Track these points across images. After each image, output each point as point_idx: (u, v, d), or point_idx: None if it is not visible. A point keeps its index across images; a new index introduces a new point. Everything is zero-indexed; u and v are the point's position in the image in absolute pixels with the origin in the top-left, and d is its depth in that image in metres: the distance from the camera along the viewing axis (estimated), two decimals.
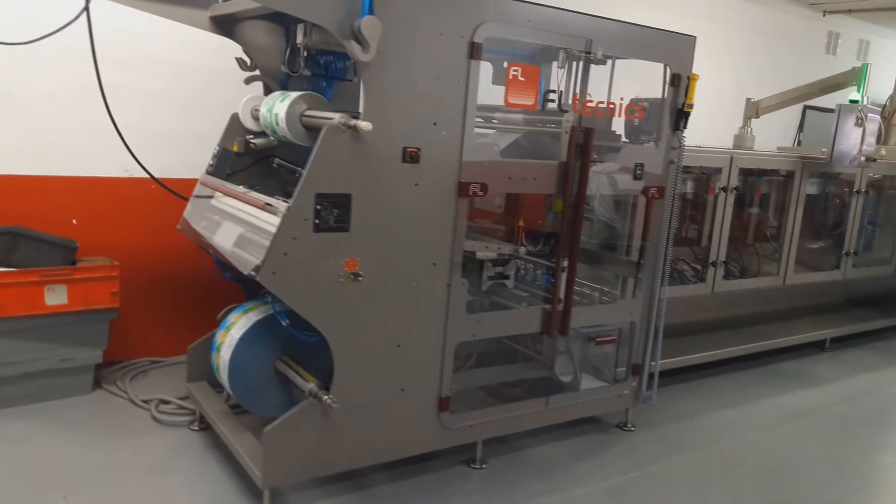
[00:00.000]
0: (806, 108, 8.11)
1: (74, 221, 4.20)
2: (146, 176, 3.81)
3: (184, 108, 4.36)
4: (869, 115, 4.95)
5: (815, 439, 4.27)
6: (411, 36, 2.76)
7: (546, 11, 3.13)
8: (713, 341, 5.21)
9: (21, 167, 4.06)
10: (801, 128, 8.33)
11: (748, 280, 5.19)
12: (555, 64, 3.99)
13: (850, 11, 8.12)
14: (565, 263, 3.52)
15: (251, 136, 3.53)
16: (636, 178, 3.69)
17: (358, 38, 2.59)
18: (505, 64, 3.33)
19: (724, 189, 4.71)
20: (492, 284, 3.76)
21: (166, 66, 4.32)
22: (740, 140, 5.72)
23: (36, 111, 4.05)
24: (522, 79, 3.13)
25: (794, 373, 5.44)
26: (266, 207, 2.75)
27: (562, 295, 3.53)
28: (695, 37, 3.72)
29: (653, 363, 4.03)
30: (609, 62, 3.88)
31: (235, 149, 3.53)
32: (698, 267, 4.96)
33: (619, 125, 3.94)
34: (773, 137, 7.13)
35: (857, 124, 4.92)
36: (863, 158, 5.06)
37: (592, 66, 4.00)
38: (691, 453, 3.93)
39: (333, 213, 2.70)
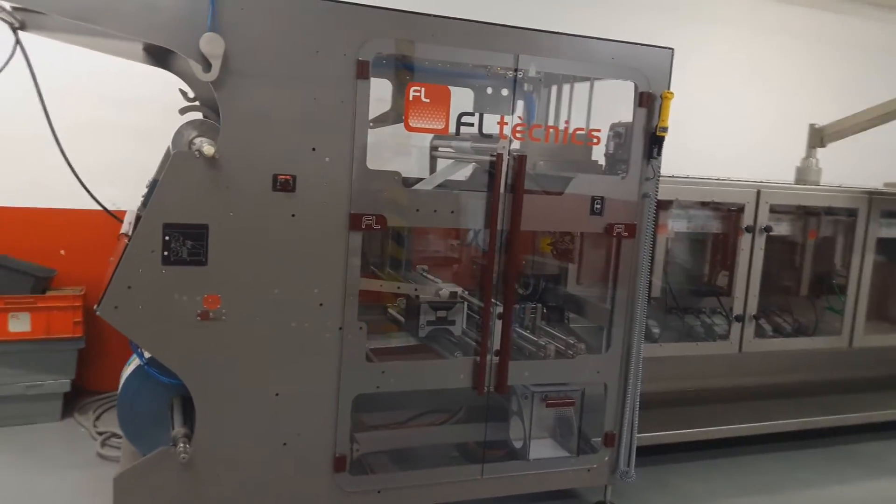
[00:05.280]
0: None
1: (62, 252, 4.35)
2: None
3: None
4: None
5: None
6: (275, 54, 2.54)
7: (456, 25, 2.79)
8: (757, 412, 4.39)
9: (16, 199, 4.27)
10: None
11: (795, 340, 4.32)
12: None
13: None
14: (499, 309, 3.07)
15: None
16: (594, 213, 3.17)
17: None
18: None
19: (750, 229, 3.98)
20: (432, 331, 3.38)
21: (158, 105, 4.40)
22: (803, 173, 4.89)
23: (31, 147, 4.27)
24: (426, 100, 2.79)
25: (872, 457, 4.44)
26: (122, 238, 2.61)
27: (497, 345, 3.08)
28: (671, 49, 3.19)
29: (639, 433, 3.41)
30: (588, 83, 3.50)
31: None
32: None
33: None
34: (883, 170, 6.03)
35: None
36: None
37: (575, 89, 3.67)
38: None
39: (186, 244, 2.50)
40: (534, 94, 3.88)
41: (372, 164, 2.80)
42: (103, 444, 3.78)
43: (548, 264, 3.96)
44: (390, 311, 3.81)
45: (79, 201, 4.33)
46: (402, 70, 3.28)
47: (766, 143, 5.67)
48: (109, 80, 4.29)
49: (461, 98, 3.68)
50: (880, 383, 4.88)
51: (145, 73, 3.91)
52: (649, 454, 3.92)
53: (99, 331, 4.34)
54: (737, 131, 5.80)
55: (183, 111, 3.45)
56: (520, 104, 3.88)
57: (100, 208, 4.16)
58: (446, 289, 3.38)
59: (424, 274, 3.74)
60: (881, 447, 4.53)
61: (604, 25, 4.32)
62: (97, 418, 4.13)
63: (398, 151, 4.34)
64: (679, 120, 4.66)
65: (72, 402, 4.21)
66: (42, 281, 4.01)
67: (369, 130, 3.33)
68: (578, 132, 3.14)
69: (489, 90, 3.69)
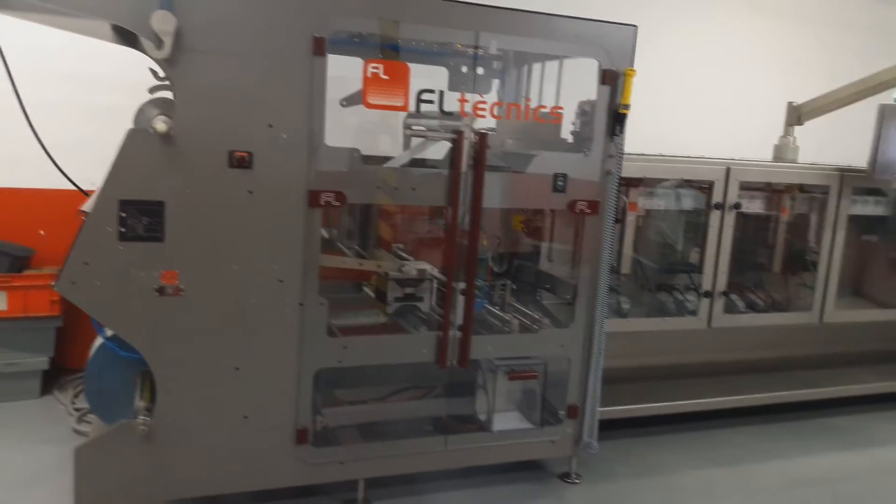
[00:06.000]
0: None
1: (42, 232, 4.38)
2: None
3: None
4: None
5: None
6: (230, 30, 2.55)
7: (414, 1, 2.79)
8: (728, 386, 4.44)
9: None
10: None
11: (764, 315, 4.37)
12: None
13: None
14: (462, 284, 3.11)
15: None
16: (556, 190, 3.20)
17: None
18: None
19: (719, 206, 4.01)
20: (400, 307, 3.42)
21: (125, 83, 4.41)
22: (781, 150, 4.91)
23: (9, 126, 4.28)
24: (385, 77, 2.80)
25: (840, 431, 4.50)
26: (81, 215, 2.64)
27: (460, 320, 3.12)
28: (634, 27, 3.19)
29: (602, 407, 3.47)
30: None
31: None
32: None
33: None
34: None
35: None
36: None
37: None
38: None
39: (142, 221, 2.54)
40: (505, 73, 3.90)
41: (357, 144, 2.83)
42: (80, 421, 3.84)
43: (522, 242, 4.00)
44: (365, 289, 3.86)
45: (59, 181, 4.39)
46: (370, 48, 3.29)
47: (746, 121, 5.65)
48: (94, 59, 4.28)
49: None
50: (851, 358, 4.93)
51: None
52: (619, 427, 3.99)
53: (78, 309, 4.39)
54: (716, 110, 5.79)
55: (152, 90, 3.46)
56: (495, 82, 3.93)
57: (84, 191, 4.19)
58: (412, 266, 3.43)
59: (400, 252, 3.78)
60: (849, 421, 4.59)
61: (583, 5, 4.30)
62: (76, 395, 4.18)
63: (386, 130, 4.35)
64: (657, 99, 4.70)
65: (51, 380, 4.27)
66: (19, 260, 4.05)
67: (352, 109, 3.37)
68: (541, 110, 3.16)
69: (463, 68, 3.69)
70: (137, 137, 2.52)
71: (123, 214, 2.51)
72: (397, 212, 3.81)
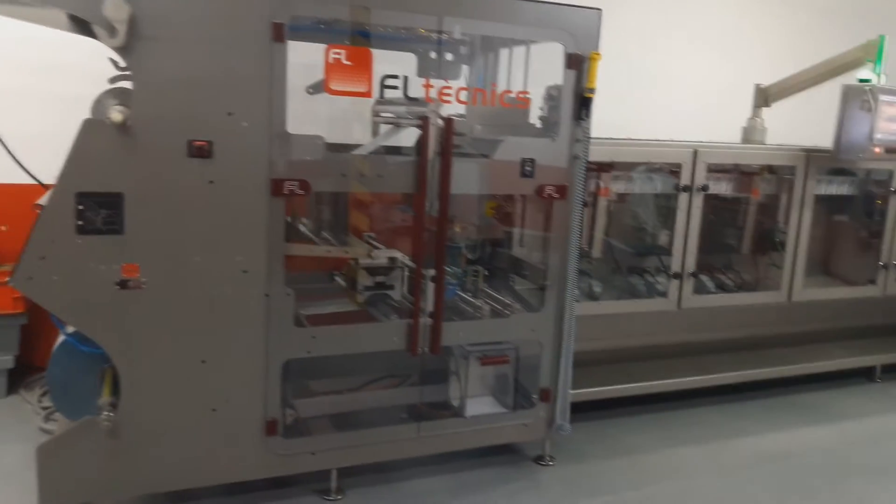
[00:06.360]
0: None
1: (3, 228, 4.28)
2: None
3: None
4: (882, 97, 4.07)
5: (778, 490, 3.51)
6: (188, 17, 2.50)
7: None
8: (699, 366, 4.49)
9: None
10: None
11: (734, 295, 4.42)
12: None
13: None
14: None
15: None
16: (524, 175, 3.19)
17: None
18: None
19: (687, 189, 4.03)
20: (371, 296, 3.40)
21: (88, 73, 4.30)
22: (749, 132, 4.95)
23: None
24: (348, 62, 2.77)
25: (813, 406, 4.58)
26: (37, 208, 2.58)
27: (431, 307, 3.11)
28: (599, 10, 3.18)
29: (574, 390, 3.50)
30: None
31: None
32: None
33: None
34: None
35: (863, 108, 4.06)
36: (878, 150, 4.17)
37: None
38: (601, 497, 3.34)
39: (101, 213, 2.48)
40: (473, 59, 3.87)
41: (327, 132, 2.81)
42: (47, 419, 3.77)
43: (494, 229, 3.99)
44: (337, 278, 3.83)
45: (21, 176, 4.28)
46: (337, 34, 3.24)
47: (717, 104, 5.67)
48: (55, 49, 4.16)
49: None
50: (819, 336, 5.01)
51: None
52: (591, 409, 4.02)
53: None
54: (687, 93, 5.80)
55: (113, 81, 3.39)
56: (463, 68, 3.90)
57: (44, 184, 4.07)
58: (381, 254, 3.40)
59: (370, 241, 3.75)
60: (817, 397, 4.67)
61: None
62: (43, 394, 4.11)
63: (355, 117, 4.29)
64: (627, 82, 4.68)
65: (18, 379, 4.19)
66: None
67: (321, 96, 3.31)
68: (507, 95, 3.14)
69: (431, 54, 3.66)
70: (93, 128, 2.47)
71: (81, 207, 2.46)
72: (369, 200, 3.77)
